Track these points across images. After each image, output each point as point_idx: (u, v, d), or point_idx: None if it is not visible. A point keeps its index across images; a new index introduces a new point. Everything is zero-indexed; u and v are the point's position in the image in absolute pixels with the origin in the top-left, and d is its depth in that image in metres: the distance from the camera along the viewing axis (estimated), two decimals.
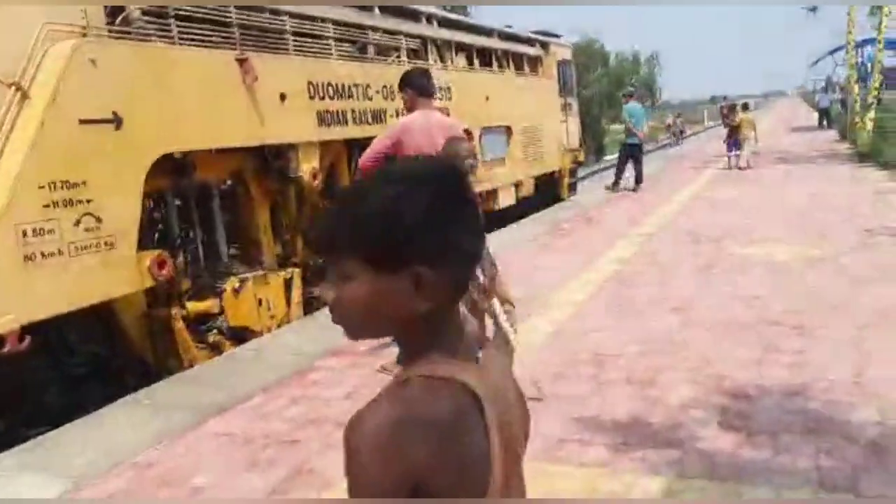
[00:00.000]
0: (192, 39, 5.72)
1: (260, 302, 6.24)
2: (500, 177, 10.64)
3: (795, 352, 4.49)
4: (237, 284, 6.04)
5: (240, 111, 6.01)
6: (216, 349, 5.93)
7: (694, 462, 3.23)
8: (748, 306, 5.50)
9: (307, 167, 6.74)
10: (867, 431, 3.39)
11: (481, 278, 3.92)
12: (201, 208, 6.44)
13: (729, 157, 16.45)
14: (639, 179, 13.40)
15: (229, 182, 6.77)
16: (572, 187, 14.57)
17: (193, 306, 5.79)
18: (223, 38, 6.03)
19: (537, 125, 12.31)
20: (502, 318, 4.02)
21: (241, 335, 6.09)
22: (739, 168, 16.00)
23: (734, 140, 16.31)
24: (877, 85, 17.11)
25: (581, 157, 15.80)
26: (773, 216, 9.58)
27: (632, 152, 13.41)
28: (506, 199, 10.92)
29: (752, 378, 4.11)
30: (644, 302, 5.82)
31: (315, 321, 6.10)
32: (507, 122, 10.99)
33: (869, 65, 17.37)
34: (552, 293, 6.26)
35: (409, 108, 4.47)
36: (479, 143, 9.90)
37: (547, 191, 13.35)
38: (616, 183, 13.62)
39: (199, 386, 4.61)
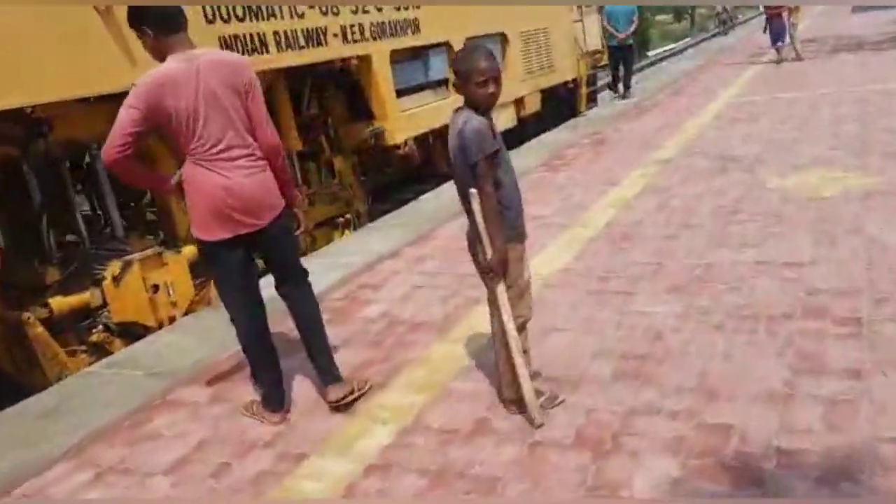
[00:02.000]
0: None
1: (156, 288, 4.91)
2: None
3: (847, 374, 2.96)
4: (118, 270, 4.70)
5: (98, 49, 4.51)
6: (102, 350, 4.68)
7: None
8: (779, 281, 3.93)
9: None
10: None
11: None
12: (81, 176, 5.11)
13: (777, 50, 14.28)
14: (625, 85, 12.62)
15: None
16: (592, 98, 12.68)
17: (59, 303, 4.52)
18: None
19: (542, 28, 10.41)
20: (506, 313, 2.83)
21: (133, 331, 4.82)
22: (792, 59, 13.91)
23: (779, 29, 14.10)
24: None
25: (603, 61, 13.82)
26: (824, 127, 7.78)
27: (614, 55, 12.50)
28: (503, 122, 9.24)
29: (769, 438, 2.62)
30: (636, 274, 4.29)
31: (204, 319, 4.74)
32: (499, 27, 9.18)
33: None
34: None
35: (159, 56, 2.91)
36: None
37: (561, 105, 11.59)
38: (616, 88, 12.77)
39: (3, 440, 3.33)
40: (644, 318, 3.70)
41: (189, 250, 5.16)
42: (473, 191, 2.73)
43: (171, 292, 4.99)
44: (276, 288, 3.19)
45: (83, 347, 4.64)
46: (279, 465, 2.86)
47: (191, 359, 3.92)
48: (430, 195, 7.02)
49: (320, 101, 6.88)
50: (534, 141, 9.39)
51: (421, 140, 7.96)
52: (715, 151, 7.27)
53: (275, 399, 3.16)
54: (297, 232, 3.25)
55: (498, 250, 2.73)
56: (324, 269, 5.10)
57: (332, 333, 3.94)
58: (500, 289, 2.81)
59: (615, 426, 2.80)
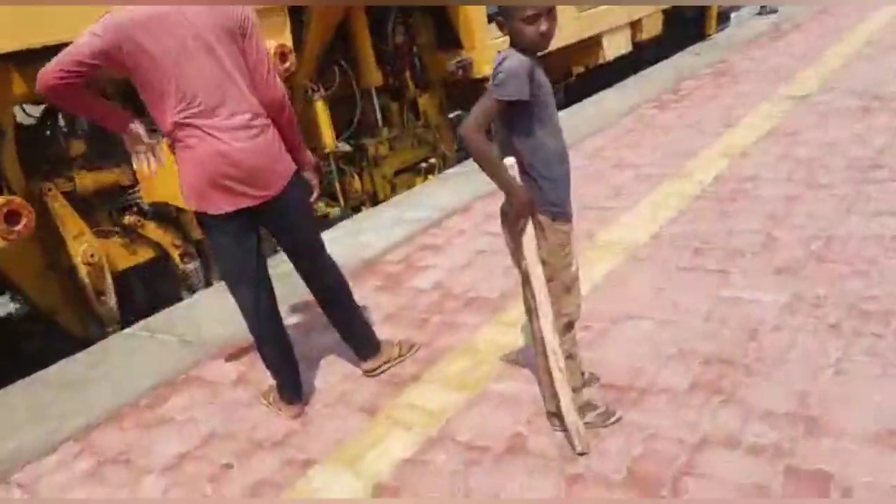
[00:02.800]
0: None
1: None
2: (605, 18, 8.02)
3: None
4: None
5: None
6: (134, 233, 4.41)
7: None
8: None
9: (270, 44, 4.81)
10: None
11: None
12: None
13: None
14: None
15: None
16: (723, 17, 11.35)
17: (84, 178, 4.20)
18: None
19: None
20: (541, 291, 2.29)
21: (167, 214, 4.54)
22: None
23: None
24: None
25: None
26: None
27: None
28: (616, 47, 8.33)
29: (883, 500, 2.00)
30: (739, 247, 3.59)
31: None
32: None
33: None
34: (609, 223, 4.15)
35: None
36: None
37: (687, 26, 10.44)
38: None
39: (21, 412, 3.16)
40: (740, 308, 3.04)
41: None
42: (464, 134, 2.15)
43: None
44: (290, 260, 2.79)
45: (116, 229, 4.40)
46: (282, 471, 2.50)
47: (231, 326, 3.60)
48: None
49: (406, 29, 6.28)
50: (646, 71, 8.45)
51: None
52: (860, 87, 6.19)
53: (290, 391, 2.79)
54: (313, 199, 2.80)
55: (512, 188, 2.17)
56: (388, 224, 4.69)
57: (379, 304, 3.58)
58: (534, 260, 2.24)
59: (680, 461, 2.24)
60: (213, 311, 3.84)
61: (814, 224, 3.72)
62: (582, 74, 8.37)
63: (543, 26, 2.13)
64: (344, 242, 4.55)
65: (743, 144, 5.16)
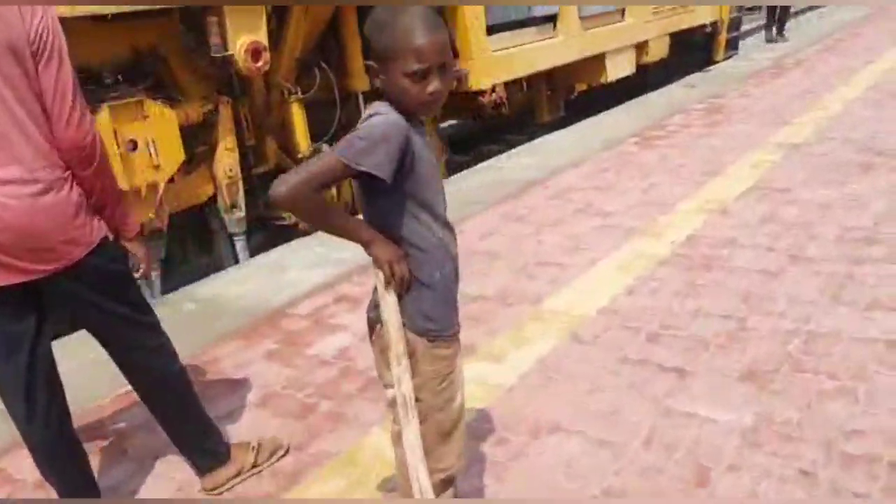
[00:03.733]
0: None
1: (133, 145, 3.94)
2: (609, 39, 7.44)
3: None
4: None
5: None
6: None
7: None
8: None
9: (241, 41, 4.24)
10: None
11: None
12: None
13: None
14: (780, 24, 11.40)
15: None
16: (731, 45, 10.77)
17: None
18: None
19: None
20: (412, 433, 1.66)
21: None
22: None
23: None
24: None
25: (753, 1, 11.88)
26: None
27: None
28: (619, 69, 7.76)
29: None
30: (702, 336, 2.98)
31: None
32: None
33: None
34: (559, 286, 3.55)
35: None
36: None
37: (694, 51, 9.92)
38: (770, 33, 11.40)
39: None
40: (692, 429, 2.43)
41: (187, 107, 4.39)
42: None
43: (153, 152, 4.03)
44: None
45: None
46: None
47: (87, 390, 2.99)
48: (487, 165, 5.79)
49: None
50: (635, 101, 7.87)
51: (517, 86, 6.82)
52: (860, 137, 5.61)
53: None
54: (138, 275, 2.16)
55: (365, 239, 1.59)
56: (309, 264, 4.10)
57: (264, 377, 2.95)
58: (400, 363, 1.63)
59: None
60: (79, 364, 3.21)
61: (794, 312, 3.12)
62: (584, 93, 7.94)
63: (433, 86, 1.53)
64: (255, 283, 3.96)
65: (724, 199, 4.57)
